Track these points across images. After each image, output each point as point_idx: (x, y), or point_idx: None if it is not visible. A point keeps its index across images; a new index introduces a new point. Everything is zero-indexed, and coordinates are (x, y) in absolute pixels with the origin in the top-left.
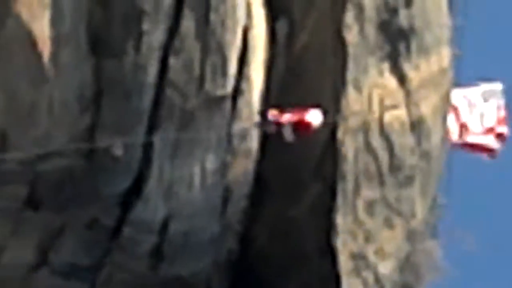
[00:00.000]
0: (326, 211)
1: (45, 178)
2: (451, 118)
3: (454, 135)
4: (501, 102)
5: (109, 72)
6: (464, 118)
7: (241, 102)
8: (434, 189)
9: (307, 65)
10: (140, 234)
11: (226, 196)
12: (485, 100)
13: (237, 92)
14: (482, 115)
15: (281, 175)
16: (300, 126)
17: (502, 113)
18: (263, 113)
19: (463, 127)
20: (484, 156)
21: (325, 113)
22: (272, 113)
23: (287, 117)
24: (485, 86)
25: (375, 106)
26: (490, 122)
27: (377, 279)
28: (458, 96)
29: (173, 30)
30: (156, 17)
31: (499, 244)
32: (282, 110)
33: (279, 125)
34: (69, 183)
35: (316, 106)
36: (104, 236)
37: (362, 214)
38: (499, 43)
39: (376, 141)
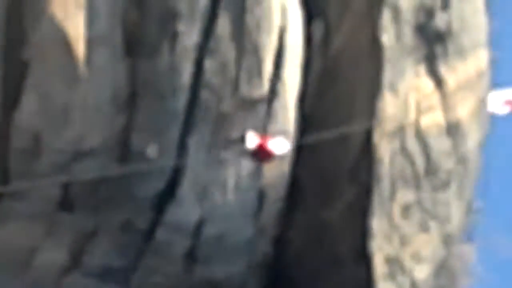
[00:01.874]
0: (361, 215)
1: (78, 180)
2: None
3: None
4: None
5: (144, 73)
6: None
7: (276, 105)
8: (471, 193)
9: (342, 67)
10: (174, 237)
11: (260, 199)
12: None
13: (272, 94)
14: None
15: (316, 177)
16: (262, 153)
17: None
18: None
19: None
20: None
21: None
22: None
23: (253, 142)
24: None
25: (411, 109)
26: None
27: (413, 284)
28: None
29: (208, 31)
30: (191, 18)
31: None
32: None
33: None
34: (102, 185)
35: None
36: (137, 239)
37: (397, 218)
38: None
39: (412, 145)
